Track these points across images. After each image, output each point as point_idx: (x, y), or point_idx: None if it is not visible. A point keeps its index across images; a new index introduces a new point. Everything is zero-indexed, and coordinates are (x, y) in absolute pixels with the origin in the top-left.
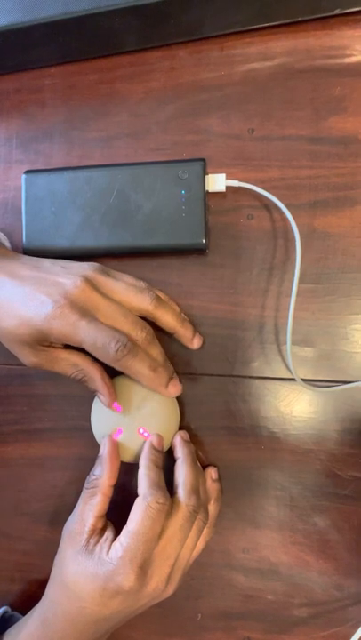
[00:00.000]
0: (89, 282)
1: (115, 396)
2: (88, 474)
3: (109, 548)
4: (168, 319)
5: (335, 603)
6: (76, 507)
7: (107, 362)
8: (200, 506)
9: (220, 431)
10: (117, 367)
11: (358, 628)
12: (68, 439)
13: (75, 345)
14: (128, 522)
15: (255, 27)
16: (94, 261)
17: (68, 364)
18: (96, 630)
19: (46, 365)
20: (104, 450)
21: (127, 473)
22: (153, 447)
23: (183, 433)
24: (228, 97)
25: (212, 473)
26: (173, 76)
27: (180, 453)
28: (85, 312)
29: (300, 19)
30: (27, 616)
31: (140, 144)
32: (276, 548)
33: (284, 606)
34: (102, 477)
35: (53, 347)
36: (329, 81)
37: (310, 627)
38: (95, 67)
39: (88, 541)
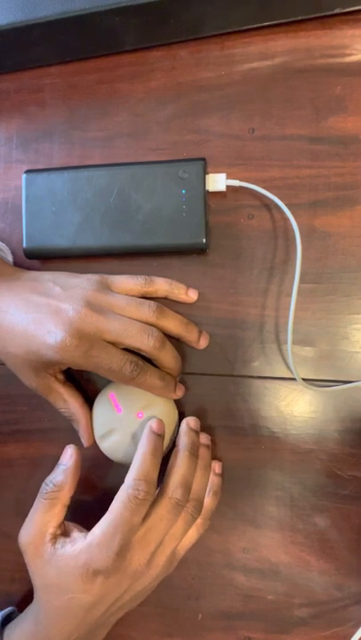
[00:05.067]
0: (89, 305)
1: (92, 439)
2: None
3: (82, 539)
4: (172, 327)
5: (336, 603)
6: (32, 516)
7: (121, 382)
8: (187, 499)
9: (220, 431)
10: (132, 385)
11: (359, 628)
12: (68, 439)
13: (88, 370)
14: (110, 508)
15: (255, 26)
16: (94, 261)
17: (61, 398)
18: (87, 620)
19: (42, 392)
20: (70, 461)
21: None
22: (153, 432)
23: (192, 420)
24: (228, 96)
25: (215, 467)
26: (174, 76)
27: (180, 441)
28: (93, 340)
29: (300, 18)
30: (21, 615)
31: (140, 144)
32: (277, 548)
33: (284, 606)
34: (64, 489)
35: (55, 377)
36: (329, 80)
37: (311, 627)
38: (95, 66)
39: (55, 546)
